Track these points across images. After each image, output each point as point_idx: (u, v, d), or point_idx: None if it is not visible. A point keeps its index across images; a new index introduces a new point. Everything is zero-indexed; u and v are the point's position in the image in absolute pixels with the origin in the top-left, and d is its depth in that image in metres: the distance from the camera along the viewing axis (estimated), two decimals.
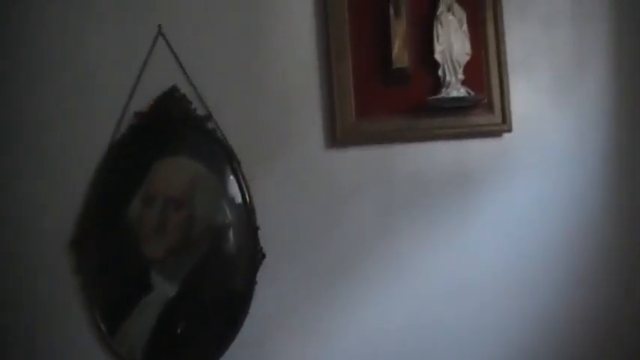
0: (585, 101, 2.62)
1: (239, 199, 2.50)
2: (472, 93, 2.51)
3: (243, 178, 2.51)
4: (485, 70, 2.55)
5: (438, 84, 2.52)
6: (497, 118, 2.55)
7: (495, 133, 2.57)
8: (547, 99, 2.61)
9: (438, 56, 2.51)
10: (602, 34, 2.64)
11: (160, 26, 2.53)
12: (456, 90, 2.50)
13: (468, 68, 2.52)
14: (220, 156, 2.51)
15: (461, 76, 2.51)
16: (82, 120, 2.51)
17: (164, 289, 2.45)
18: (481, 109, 2.55)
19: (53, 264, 2.46)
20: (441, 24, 2.52)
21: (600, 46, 2.63)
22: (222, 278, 2.49)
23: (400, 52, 2.50)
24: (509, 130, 2.55)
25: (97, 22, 2.53)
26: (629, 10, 2.63)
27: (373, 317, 2.54)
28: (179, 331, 2.45)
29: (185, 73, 2.52)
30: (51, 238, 2.47)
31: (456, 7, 2.53)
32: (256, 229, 2.50)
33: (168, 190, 2.48)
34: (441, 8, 2.52)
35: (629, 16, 2.63)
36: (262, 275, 2.49)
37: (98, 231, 2.46)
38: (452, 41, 2.51)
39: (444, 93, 2.50)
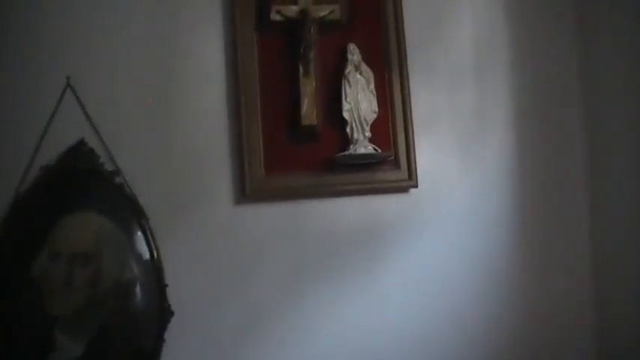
0: (486, 158, 2.73)
1: (147, 256, 2.46)
2: (379, 150, 2.57)
3: (152, 234, 2.47)
4: (392, 128, 2.64)
5: (346, 141, 2.57)
6: (403, 174, 2.62)
7: (402, 189, 2.64)
8: (451, 156, 2.71)
9: (345, 114, 2.57)
10: (503, 99, 2.77)
11: (68, 78, 2.49)
12: (364, 147, 2.56)
13: (375, 126, 2.60)
14: (128, 211, 2.47)
15: (368, 134, 2.57)
16: None
17: (69, 348, 2.37)
18: (388, 165, 2.62)
19: None
20: (348, 83, 2.58)
21: (500, 109, 2.76)
22: (130, 336, 2.42)
23: (309, 110, 2.55)
24: (416, 186, 2.62)
25: (1, 71, 2.47)
26: (528, 78, 2.78)
27: None
28: None
29: (93, 126, 2.48)
30: None
31: (364, 67, 2.61)
32: (164, 286, 2.46)
33: (75, 246, 2.41)
34: (349, 68, 2.59)
35: (527, 83, 2.78)
36: (170, 333, 2.44)
37: (0, 288, 2.36)
38: (359, 100, 2.58)
39: (351, 150, 2.56)
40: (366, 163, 2.58)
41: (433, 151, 2.67)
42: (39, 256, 2.39)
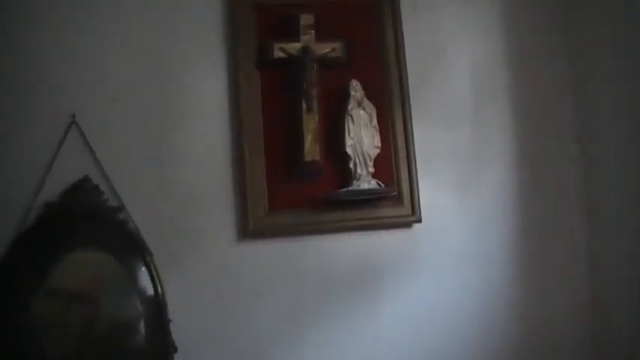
0: (485, 194, 2.75)
1: (150, 292, 2.46)
2: (382, 185, 2.58)
3: (156, 270, 2.47)
4: (394, 163, 2.65)
5: (349, 177, 2.58)
6: (406, 209, 2.63)
7: (405, 224, 2.65)
8: (450, 192, 2.72)
9: (349, 150, 2.59)
10: (501, 136, 2.79)
11: (73, 115, 2.51)
12: (367, 182, 2.57)
13: (378, 161, 2.61)
14: (132, 248, 2.47)
15: (371, 169, 2.59)
16: None
17: None
18: (390, 201, 2.62)
19: None
20: (351, 119, 2.60)
21: (499, 146, 2.79)
22: None
23: (312, 146, 2.56)
24: (419, 221, 2.63)
25: (7, 107, 2.49)
26: (526, 115, 2.81)
27: None
28: None
29: (98, 163, 2.50)
30: None
31: (367, 103, 2.63)
32: (168, 322, 2.46)
33: (76, 283, 2.41)
34: (352, 104, 2.61)
35: (525, 120, 2.81)
36: None
37: None
38: (362, 135, 2.60)
39: (354, 185, 2.56)
40: (368, 199, 2.58)
41: (432, 187, 2.68)
42: (38, 294, 2.37)
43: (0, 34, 2.51)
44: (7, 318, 2.34)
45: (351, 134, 2.59)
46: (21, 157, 2.48)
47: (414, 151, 2.65)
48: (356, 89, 2.62)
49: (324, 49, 2.63)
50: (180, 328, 2.45)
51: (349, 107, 2.60)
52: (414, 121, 2.68)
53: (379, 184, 2.58)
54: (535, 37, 2.87)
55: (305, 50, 2.60)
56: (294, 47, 2.61)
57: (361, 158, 2.58)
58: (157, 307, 2.46)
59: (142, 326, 2.44)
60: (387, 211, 2.62)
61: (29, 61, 2.53)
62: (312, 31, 2.63)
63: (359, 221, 2.59)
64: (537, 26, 2.88)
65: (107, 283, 2.43)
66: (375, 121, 2.62)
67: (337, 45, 2.64)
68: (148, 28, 2.62)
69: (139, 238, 2.48)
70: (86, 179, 2.49)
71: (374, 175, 2.59)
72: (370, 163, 2.59)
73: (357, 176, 2.57)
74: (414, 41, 2.74)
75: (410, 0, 2.77)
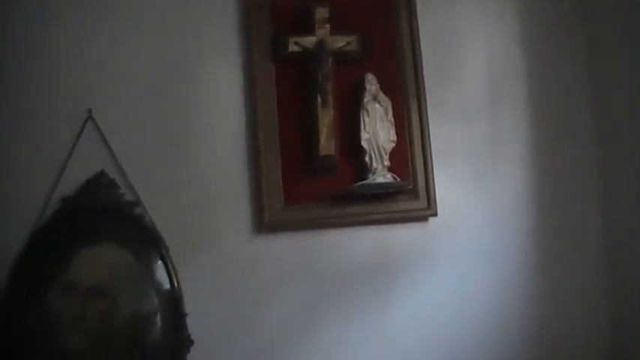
0: (501, 190, 2.74)
1: (167, 286, 2.47)
2: (398, 179, 2.57)
3: (172, 264, 2.48)
4: (410, 156, 2.64)
5: (364, 171, 2.58)
6: (422, 203, 2.62)
7: (421, 218, 2.65)
8: (466, 187, 2.71)
9: (364, 143, 2.58)
10: (517, 131, 2.78)
11: (90, 110, 2.52)
12: (382, 176, 2.56)
13: (394, 155, 2.60)
14: (148, 242, 2.48)
15: (387, 163, 2.58)
16: (4, 205, 2.44)
17: None
18: (406, 194, 2.62)
19: None
20: (367, 112, 2.59)
21: (515, 141, 2.78)
22: None
23: (327, 141, 2.56)
24: (435, 215, 2.62)
25: (24, 104, 2.50)
26: (542, 111, 2.79)
27: None
28: None
29: (114, 158, 2.50)
30: None
31: (382, 97, 2.62)
32: (184, 315, 2.46)
33: (92, 278, 2.42)
34: (367, 97, 2.60)
35: (541, 116, 2.79)
36: None
37: (15, 320, 2.34)
38: (378, 129, 2.59)
39: (370, 179, 2.56)
40: (384, 193, 2.58)
41: (448, 181, 2.68)
42: (55, 289, 2.39)
43: (16, 33, 2.51)
44: (24, 312, 2.35)
45: (367, 128, 2.59)
46: (37, 153, 2.49)
47: (429, 144, 2.65)
48: (371, 83, 2.61)
49: (339, 42, 2.62)
50: (196, 322, 2.46)
51: (364, 101, 2.59)
52: (429, 115, 2.67)
53: (395, 178, 2.58)
54: (551, 31, 2.86)
55: (320, 44, 2.59)
56: (309, 41, 2.60)
57: (377, 152, 2.57)
58: (173, 301, 2.47)
59: (158, 320, 2.45)
60: (403, 205, 2.61)
61: (45, 56, 2.53)
62: (327, 25, 2.62)
63: (374, 215, 2.59)
64: (553, 20, 2.86)
65: (123, 277, 2.44)
66: (390, 115, 2.61)
67: (352, 39, 2.63)
68: (163, 23, 2.62)
69: (155, 233, 2.49)
70: (102, 174, 2.50)
71: (389, 169, 2.58)
72: (386, 157, 2.58)
73: (373, 170, 2.57)
74: (429, 35, 2.73)
75: None
